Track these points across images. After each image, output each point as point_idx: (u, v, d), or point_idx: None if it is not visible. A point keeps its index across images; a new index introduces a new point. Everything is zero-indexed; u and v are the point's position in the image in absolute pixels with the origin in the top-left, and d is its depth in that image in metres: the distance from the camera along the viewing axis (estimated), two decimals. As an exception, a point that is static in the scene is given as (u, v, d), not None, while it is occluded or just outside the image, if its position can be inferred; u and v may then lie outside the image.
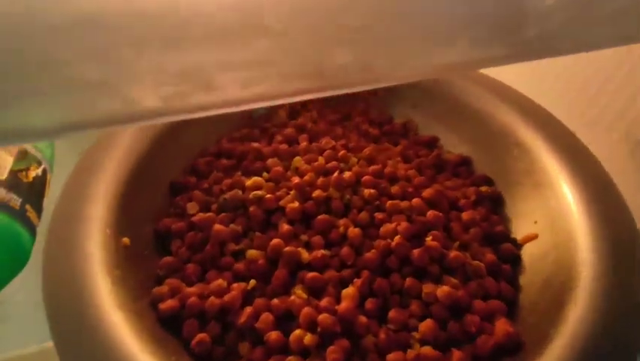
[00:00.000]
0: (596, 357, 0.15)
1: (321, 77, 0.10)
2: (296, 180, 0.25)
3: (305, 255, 0.21)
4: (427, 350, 0.18)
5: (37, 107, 0.08)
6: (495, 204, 0.26)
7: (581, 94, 0.29)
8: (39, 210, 0.26)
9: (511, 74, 0.30)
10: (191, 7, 0.09)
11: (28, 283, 0.25)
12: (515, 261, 0.23)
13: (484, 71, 0.31)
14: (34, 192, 0.26)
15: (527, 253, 0.22)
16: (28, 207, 0.25)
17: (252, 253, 0.22)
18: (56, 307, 0.16)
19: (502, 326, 0.18)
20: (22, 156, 0.27)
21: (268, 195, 0.24)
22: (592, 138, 0.25)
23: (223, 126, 0.31)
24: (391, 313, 0.20)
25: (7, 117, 0.08)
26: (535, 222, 0.23)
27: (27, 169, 0.27)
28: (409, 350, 0.18)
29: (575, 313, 0.16)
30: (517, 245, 0.23)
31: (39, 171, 0.28)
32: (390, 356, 0.18)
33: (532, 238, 0.22)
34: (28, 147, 0.28)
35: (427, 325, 0.19)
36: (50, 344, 0.23)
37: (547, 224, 0.22)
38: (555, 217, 0.21)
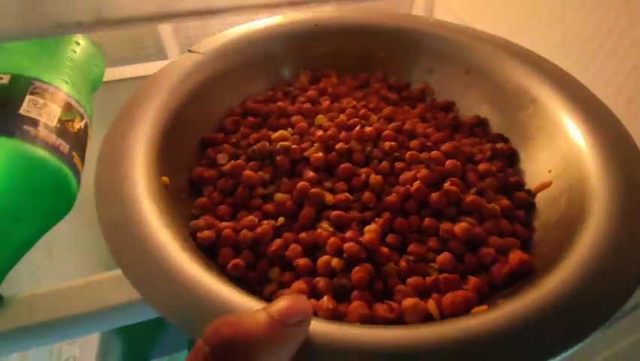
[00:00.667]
0: (606, 273, 0.16)
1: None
2: (319, 133, 0.26)
3: (329, 197, 0.23)
4: (444, 275, 0.19)
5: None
6: (510, 160, 0.27)
7: (594, 56, 0.30)
8: (82, 159, 0.29)
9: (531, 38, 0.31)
10: None
11: (73, 224, 0.27)
12: (529, 207, 0.24)
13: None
14: (79, 141, 0.28)
15: (542, 199, 0.23)
16: (74, 154, 0.27)
17: (279, 195, 0.24)
18: (113, 231, 0.17)
19: (516, 255, 0.19)
20: (68, 108, 0.29)
21: (294, 146, 0.26)
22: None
23: (247, 90, 0.33)
24: (411, 247, 0.21)
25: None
26: (550, 171, 0.24)
27: (72, 120, 0.29)
28: (427, 277, 0.20)
29: (585, 238, 0.17)
30: (532, 194, 0.24)
31: (82, 124, 0.30)
32: (410, 280, 0.19)
33: (547, 185, 0.24)
34: (72, 101, 0.30)
35: (444, 257, 0.20)
36: (93, 277, 0.25)
37: (560, 170, 0.23)
38: (569, 161, 0.22)
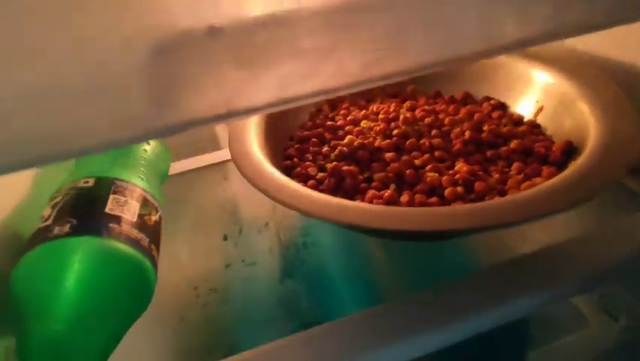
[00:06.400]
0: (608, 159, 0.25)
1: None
2: (377, 127, 0.34)
3: (418, 161, 0.30)
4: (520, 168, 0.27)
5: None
6: (503, 109, 0.38)
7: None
8: (158, 251, 0.29)
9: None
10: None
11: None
12: (537, 127, 0.34)
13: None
14: (155, 234, 0.29)
15: (544, 119, 0.33)
16: (152, 246, 0.28)
17: (379, 175, 0.30)
18: (239, 157, 0.22)
19: (560, 144, 0.28)
20: (145, 203, 0.31)
21: (366, 141, 0.33)
22: None
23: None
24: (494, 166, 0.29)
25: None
26: (537, 101, 0.34)
27: (149, 214, 0.30)
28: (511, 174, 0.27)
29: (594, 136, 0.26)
30: (534, 121, 0.34)
31: (157, 216, 0.31)
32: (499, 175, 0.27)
33: (541, 109, 0.34)
34: (148, 196, 0.31)
35: (516, 166, 0.28)
36: None
37: (545, 97, 0.33)
38: (547, 90, 0.33)
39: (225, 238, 0.36)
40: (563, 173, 0.24)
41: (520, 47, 0.15)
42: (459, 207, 0.23)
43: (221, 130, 0.55)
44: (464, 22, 0.13)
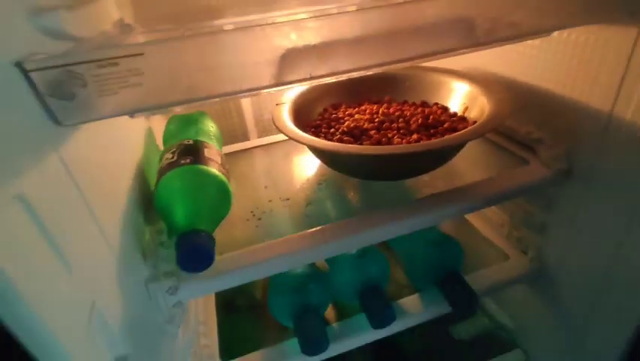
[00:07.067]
0: (493, 120, 0.46)
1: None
2: (365, 117, 0.54)
3: (390, 135, 0.50)
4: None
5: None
6: (445, 110, 0.58)
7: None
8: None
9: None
10: None
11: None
12: (465, 119, 0.54)
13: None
14: (229, 176, 0.47)
15: (468, 115, 0.54)
16: (230, 181, 0.46)
17: (367, 142, 0.49)
18: (281, 126, 0.42)
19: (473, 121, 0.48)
20: (221, 156, 0.49)
21: (359, 124, 0.52)
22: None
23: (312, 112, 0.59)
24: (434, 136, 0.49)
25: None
26: (464, 103, 0.55)
27: (225, 164, 0.48)
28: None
29: (486, 114, 0.47)
30: (462, 115, 0.55)
31: (228, 167, 0.49)
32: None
33: (467, 108, 0.54)
34: (222, 153, 0.50)
35: (450, 135, 0.48)
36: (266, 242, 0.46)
37: (467, 99, 0.54)
38: (467, 94, 0.54)
39: (266, 187, 0.54)
40: (463, 130, 0.44)
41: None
42: (405, 144, 0.43)
43: (251, 128, 0.75)
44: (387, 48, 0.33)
